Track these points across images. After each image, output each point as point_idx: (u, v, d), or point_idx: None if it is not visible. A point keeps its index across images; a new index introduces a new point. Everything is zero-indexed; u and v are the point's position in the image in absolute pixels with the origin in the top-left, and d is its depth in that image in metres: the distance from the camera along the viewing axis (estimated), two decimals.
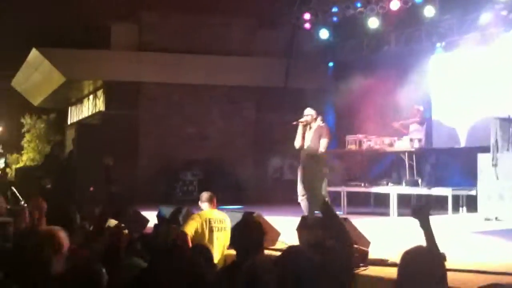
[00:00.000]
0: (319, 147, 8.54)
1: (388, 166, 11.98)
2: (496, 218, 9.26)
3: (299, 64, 15.33)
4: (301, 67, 15.35)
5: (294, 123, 8.76)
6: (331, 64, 14.98)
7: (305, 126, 8.68)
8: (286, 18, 14.27)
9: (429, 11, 11.98)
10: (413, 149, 10.98)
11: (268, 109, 15.65)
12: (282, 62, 15.59)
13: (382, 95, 12.90)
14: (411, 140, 10.88)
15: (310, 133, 8.67)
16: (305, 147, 8.66)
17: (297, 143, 8.73)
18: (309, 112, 8.75)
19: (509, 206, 9.03)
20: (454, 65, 12.79)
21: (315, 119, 8.70)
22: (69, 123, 20.88)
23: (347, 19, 13.34)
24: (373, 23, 12.93)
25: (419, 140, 11.22)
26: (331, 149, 10.87)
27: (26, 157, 23.16)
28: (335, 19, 13.57)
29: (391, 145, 11.18)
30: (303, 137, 8.67)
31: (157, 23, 15.87)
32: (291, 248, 3.41)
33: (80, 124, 18.07)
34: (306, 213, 8.25)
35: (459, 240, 7.15)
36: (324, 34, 13.94)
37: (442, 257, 2.94)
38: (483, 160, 9.49)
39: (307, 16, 13.67)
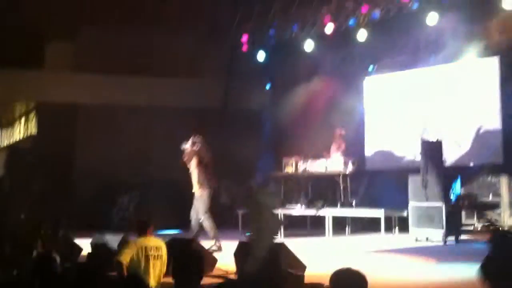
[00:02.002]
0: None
1: (323, 188, 12.16)
2: (426, 239, 9.56)
3: (238, 85, 15.45)
4: (240, 88, 15.47)
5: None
6: (268, 85, 15.18)
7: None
8: (224, 40, 14.40)
9: (361, 35, 12.36)
10: (347, 172, 11.19)
11: (210, 131, 15.63)
12: (222, 83, 15.66)
13: (318, 116, 13.14)
14: (345, 163, 11.10)
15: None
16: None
17: None
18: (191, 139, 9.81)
19: (438, 227, 9.32)
20: (387, 87, 13.21)
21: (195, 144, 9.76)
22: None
23: (283, 41, 13.58)
24: (309, 45, 13.22)
25: (353, 163, 11.45)
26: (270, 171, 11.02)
27: None
28: (272, 41, 13.79)
29: (325, 167, 11.37)
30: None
31: (93, 42, 15.61)
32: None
33: (12, 148, 17.49)
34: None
35: (386, 260, 7.34)
36: (261, 56, 14.13)
37: (364, 279, 3.13)
38: (413, 182, 9.80)
39: (244, 38, 13.84)
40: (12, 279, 4.46)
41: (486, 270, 3.06)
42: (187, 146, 9.68)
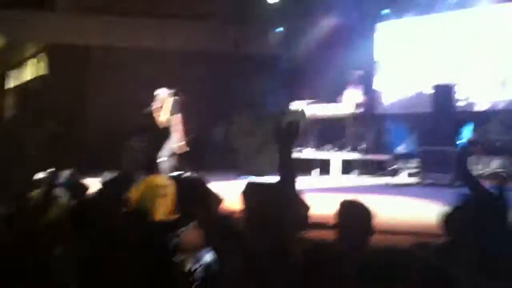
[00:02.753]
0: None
1: (331, 132, 12.12)
2: (435, 183, 9.57)
3: (249, 29, 15.24)
4: (251, 32, 15.26)
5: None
6: (280, 29, 14.94)
7: None
8: None
9: None
10: (356, 115, 11.10)
11: (221, 75, 15.54)
12: (233, 27, 15.45)
13: (332, 60, 12.97)
14: (356, 105, 11.00)
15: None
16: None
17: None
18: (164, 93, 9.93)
19: (447, 171, 9.31)
20: (402, 32, 12.96)
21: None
22: (8, 87, 20.21)
23: None
24: None
25: (361, 105, 11.33)
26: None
27: None
28: None
29: (335, 110, 11.29)
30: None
31: None
32: None
33: (22, 87, 17.52)
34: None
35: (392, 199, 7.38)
36: None
37: (370, 211, 3.16)
38: (423, 126, 9.75)
39: None
40: (19, 211, 4.51)
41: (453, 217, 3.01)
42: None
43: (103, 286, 2.73)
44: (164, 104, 9.75)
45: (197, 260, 3.00)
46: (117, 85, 15.39)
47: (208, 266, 2.86)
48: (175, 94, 9.84)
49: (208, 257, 2.94)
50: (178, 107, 9.69)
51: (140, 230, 3.14)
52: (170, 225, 3.82)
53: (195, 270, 2.94)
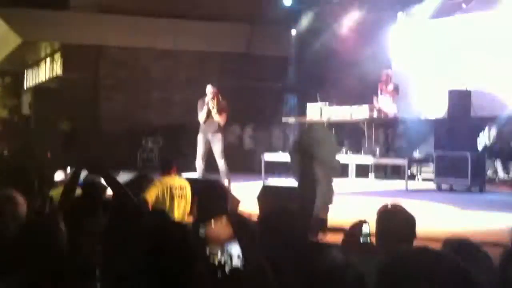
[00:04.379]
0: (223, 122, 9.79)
1: (348, 134, 12.08)
2: (450, 188, 9.52)
3: (263, 31, 15.26)
4: (265, 33, 15.27)
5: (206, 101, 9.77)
6: (294, 31, 14.93)
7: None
8: None
9: None
10: (371, 119, 11.03)
11: (232, 75, 15.56)
12: (246, 28, 15.47)
13: (345, 63, 12.94)
14: (370, 109, 10.94)
15: (215, 108, 9.72)
16: (209, 119, 9.75)
17: (202, 118, 9.78)
18: (210, 89, 9.80)
19: (462, 176, 9.25)
20: (416, 35, 12.92)
21: (216, 94, 9.78)
22: (25, 87, 20.34)
23: None
24: None
25: (378, 111, 11.22)
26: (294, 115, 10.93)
27: None
28: None
29: (350, 114, 11.22)
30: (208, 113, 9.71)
31: None
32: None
33: (37, 88, 17.61)
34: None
35: (408, 204, 7.33)
36: (288, 0, 13.85)
37: (413, 218, 3.05)
38: (439, 131, 9.71)
39: None
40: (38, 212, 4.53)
41: None
42: (208, 94, 9.88)
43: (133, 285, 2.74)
44: (210, 100, 9.81)
45: (226, 251, 3.01)
46: (130, 85, 15.47)
47: (240, 258, 2.86)
48: (217, 92, 9.85)
49: (236, 248, 2.95)
50: (224, 104, 9.87)
51: (165, 227, 3.15)
52: (196, 222, 3.84)
53: (225, 262, 2.94)
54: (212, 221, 3.51)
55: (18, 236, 2.95)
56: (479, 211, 7.28)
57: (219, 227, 3.28)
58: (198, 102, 10.04)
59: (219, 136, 9.83)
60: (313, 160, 5.93)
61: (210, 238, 3.30)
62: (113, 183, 4.14)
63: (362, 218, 3.05)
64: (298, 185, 6.24)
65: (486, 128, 9.75)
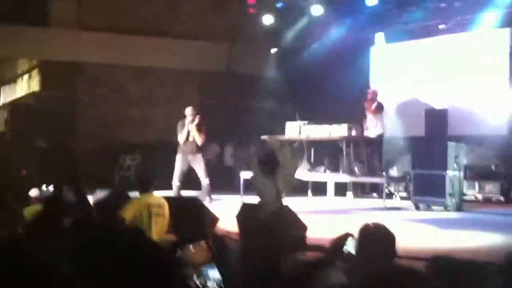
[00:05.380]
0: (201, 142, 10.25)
1: (327, 153, 12.11)
2: (428, 207, 9.57)
3: (243, 49, 15.31)
4: (245, 52, 15.32)
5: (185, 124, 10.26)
6: (274, 50, 15.00)
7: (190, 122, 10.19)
8: (231, 2, 14.18)
9: (371, 1, 12.16)
10: (349, 137, 11.09)
11: (211, 94, 15.56)
12: (226, 47, 15.51)
13: (324, 82, 13.02)
14: (348, 128, 11.00)
15: (194, 130, 10.17)
16: (189, 140, 10.21)
17: (182, 139, 10.23)
18: (190, 111, 10.27)
19: (440, 196, 9.30)
20: (394, 55, 13.08)
21: (196, 116, 10.23)
22: (0, 103, 20.09)
23: (291, 5, 13.36)
24: (317, 10, 13.01)
25: (380, 135, 11.23)
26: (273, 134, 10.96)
27: None
28: (279, 4, 13.57)
29: (329, 132, 11.27)
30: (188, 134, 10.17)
31: (100, 1, 15.43)
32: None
33: (14, 104, 17.40)
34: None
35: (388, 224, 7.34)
36: (268, 19, 13.91)
37: (393, 235, 3.08)
38: (416, 150, 9.78)
39: (252, 0, 13.62)
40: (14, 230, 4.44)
41: None
42: (188, 116, 10.29)
43: None
44: (190, 122, 10.25)
45: (202, 274, 2.97)
46: (108, 102, 15.37)
47: (216, 281, 2.82)
48: (196, 114, 10.30)
49: (213, 272, 2.91)
50: (203, 126, 10.26)
51: (142, 247, 3.08)
52: (174, 243, 3.78)
53: (204, 284, 2.89)
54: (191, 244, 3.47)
55: None
56: (456, 230, 7.32)
57: (197, 249, 3.25)
58: (178, 123, 10.37)
59: (199, 156, 10.18)
60: (276, 177, 6.07)
61: (188, 260, 3.25)
62: (84, 200, 4.09)
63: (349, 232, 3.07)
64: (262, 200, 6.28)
65: (464, 147, 9.83)
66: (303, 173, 11.39)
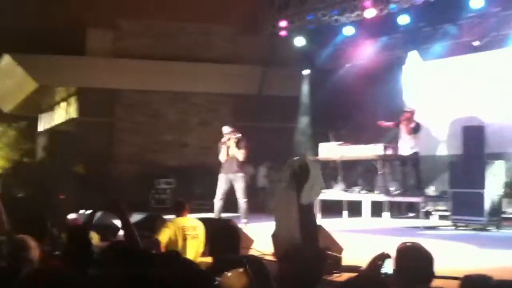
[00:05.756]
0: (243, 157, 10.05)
1: (362, 173, 12.02)
2: (467, 226, 9.38)
3: (276, 72, 15.42)
4: (278, 74, 15.43)
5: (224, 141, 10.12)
6: (307, 71, 15.03)
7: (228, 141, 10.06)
8: (263, 26, 14.30)
9: (403, 19, 12.11)
10: (385, 157, 10.97)
11: (245, 117, 15.66)
12: (259, 70, 15.64)
13: (358, 102, 12.97)
14: (384, 147, 10.90)
15: (233, 147, 10.02)
16: (229, 159, 10.00)
17: (223, 158, 10.02)
18: (227, 130, 10.17)
19: (478, 214, 9.12)
20: (428, 73, 12.96)
21: (234, 133, 10.11)
22: (40, 130, 20.59)
23: (323, 26, 13.41)
24: (349, 31, 13.02)
25: (415, 153, 11.01)
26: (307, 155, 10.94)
27: None
28: (311, 26, 13.63)
29: (363, 152, 11.17)
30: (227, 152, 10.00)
31: (134, 29, 15.80)
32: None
33: (53, 131, 17.82)
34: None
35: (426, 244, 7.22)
36: (300, 41, 13.97)
37: (431, 256, 3.05)
38: (454, 168, 9.62)
39: (283, 23, 13.71)
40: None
41: None
42: (226, 135, 10.19)
43: None
44: (229, 140, 10.10)
45: None
46: (144, 127, 15.62)
47: None
48: (235, 132, 10.19)
49: None
50: (242, 142, 10.10)
51: (178, 272, 3.10)
52: (210, 268, 3.79)
53: None
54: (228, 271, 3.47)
55: (29, 281, 2.93)
56: (495, 249, 7.15)
57: (234, 275, 3.24)
58: (218, 143, 10.27)
59: (240, 175, 10.03)
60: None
61: (225, 286, 3.25)
62: (128, 225, 4.14)
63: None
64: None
65: (502, 164, 9.62)
66: (338, 193, 11.32)
